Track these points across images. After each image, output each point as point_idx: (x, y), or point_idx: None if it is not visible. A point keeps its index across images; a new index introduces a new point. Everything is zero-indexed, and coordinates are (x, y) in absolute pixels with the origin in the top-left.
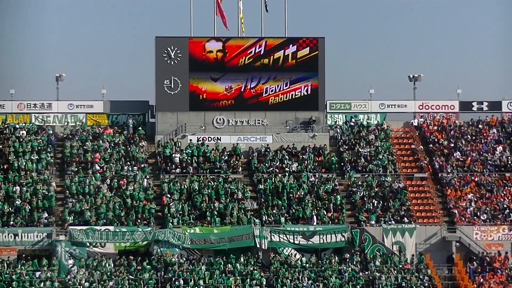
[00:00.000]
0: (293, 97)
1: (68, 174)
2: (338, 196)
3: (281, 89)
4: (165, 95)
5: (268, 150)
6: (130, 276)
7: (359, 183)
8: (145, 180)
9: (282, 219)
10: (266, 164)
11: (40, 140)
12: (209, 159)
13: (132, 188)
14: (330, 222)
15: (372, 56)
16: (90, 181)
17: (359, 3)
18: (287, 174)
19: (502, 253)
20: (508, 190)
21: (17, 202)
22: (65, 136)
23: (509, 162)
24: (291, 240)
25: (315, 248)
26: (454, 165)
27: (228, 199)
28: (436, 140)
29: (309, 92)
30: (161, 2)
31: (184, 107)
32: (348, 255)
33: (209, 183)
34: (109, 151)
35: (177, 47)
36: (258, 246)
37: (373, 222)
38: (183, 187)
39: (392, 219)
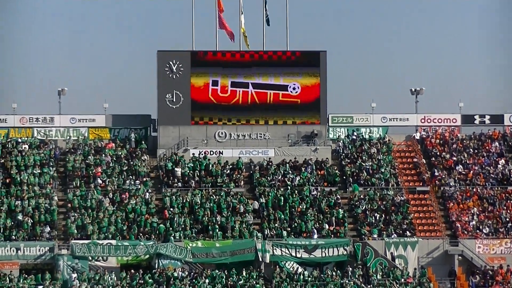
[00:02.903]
0: (295, 110)
1: (70, 188)
2: (340, 210)
3: (282, 102)
4: (167, 109)
5: (270, 163)
6: None
7: (361, 196)
8: (147, 194)
9: (284, 233)
10: (268, 178)
11: (43, 154)
12: (211, 172)
13: (134, 202)
14: (332, 235)
15: (374, 69)
16: (92, 195)
17: (360, 17)
18: (289, 187)
19: (504, 267)
20: (510, 203)
21: (19, 216)
22: (67, 150)
23: (511, 175)
24: (293, 254)
25: (317, 261)
26: (456, 178)
27: (230, 213)
28: (438, 153)
29: (310, 105)
30: (162, 16)
31: (186, 121)
32: (350, 268)
33: (211, 197)
34: (111, 165)
35: (179, 61)
36: (260, 259)
37: (375, 236)
38: (185, 200)
39: (394, 232)
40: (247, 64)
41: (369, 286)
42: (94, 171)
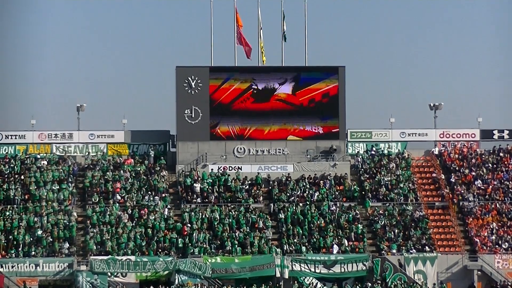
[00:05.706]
0: (313, 125)
1: (89, 204)
2: (359, 225)
3: (301, 117)
4: (185, 125)
5: (289, 179)
6: None
7: (380, 212)
8: (166, 209)
9: (303, 248)
10: (287, 193)
11: (61, 170)
12: (230, 188)
13: (153, 217)
14: (351, 251)
15: (393, 85)
16: (111, 211)
17: (379, 32)
18: (308, 203)
19: None
20: None
21: (38, 233)
22: (86, 166)
23: None
24: (312, 269)
25: (336, 277)
26: (475, 193)
27: (249, 228)
28: (457, 168)
29: (329, 121)
30: (181, 32)
31: (205, 136)
32: (370, 284)
33: (230, 213)
34: (130, 181)
35: (198, 76)
36: (279, 275)
37: (394, 251)
38: (204, 216)
39: (413, 247)
40: (267, 79)
41: None
42: (113, 187)
